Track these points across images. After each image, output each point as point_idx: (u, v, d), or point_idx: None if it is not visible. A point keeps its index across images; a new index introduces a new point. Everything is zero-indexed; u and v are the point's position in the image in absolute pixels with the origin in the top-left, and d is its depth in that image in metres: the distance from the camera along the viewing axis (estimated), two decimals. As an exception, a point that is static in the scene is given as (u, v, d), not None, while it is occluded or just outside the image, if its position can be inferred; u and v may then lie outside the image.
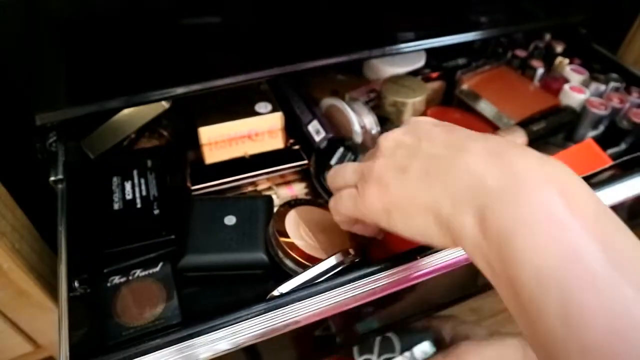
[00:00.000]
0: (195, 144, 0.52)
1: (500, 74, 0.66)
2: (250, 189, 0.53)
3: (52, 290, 0.55)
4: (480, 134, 0.29)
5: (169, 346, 0.32)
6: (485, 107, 0.60)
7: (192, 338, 0.32)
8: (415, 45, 0.55)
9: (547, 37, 0.70)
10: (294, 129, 0.55)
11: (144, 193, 0.46)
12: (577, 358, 0.20)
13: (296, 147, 0.55)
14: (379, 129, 0.56)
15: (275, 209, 0.45)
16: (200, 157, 0.52)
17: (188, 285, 0.41)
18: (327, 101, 0.58)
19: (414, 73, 0.64)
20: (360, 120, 0.54)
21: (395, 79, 0.61)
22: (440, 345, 0.54)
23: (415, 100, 0.58)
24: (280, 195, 0.53)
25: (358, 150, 0.52)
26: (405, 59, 0.64)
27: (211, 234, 0.42)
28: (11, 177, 0.48)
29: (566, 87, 0.60)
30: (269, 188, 0.54)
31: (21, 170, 0.48)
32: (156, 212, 0.44)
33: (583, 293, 0.20)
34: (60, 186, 0.44)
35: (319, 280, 0.37)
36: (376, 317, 0.45)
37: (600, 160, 0.53)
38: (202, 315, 0.34)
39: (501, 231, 0.23)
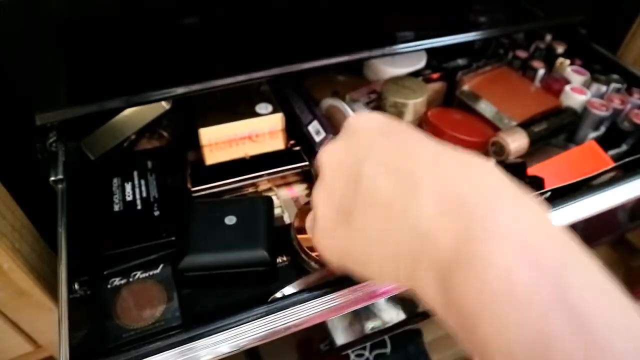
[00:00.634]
0: (195, 145, 0.52)
1: (501, 74, 0.66)
2: (250, 190, 0.53)
3: (52, 291, 0.55)
4: (434, 148, 0.25)
5: (170, 349, 0.32)
6: (486, 108, 0.60)
7: (193, 341, 0.32)
8: (415, 46, 0.55)
9: (548, 37, 0.70)
10: (294, 129, 0.55)
11: (144, 194, 0.46)
12: None
13: (297, 148, 0.55)
14: (379, 129, 0.56)
15: (275, 209, 0.45)
16: (200, 158, 0.52)
17: (189, 286, 0.41)
18: (328, 102, 0.58)
19: (415, 74, 0.63)
20: (361, 121, 0.54)
21: (396, 80, 0.61)
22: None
23: (415, 101, 0.58)
24: (281, 196, 0.53)
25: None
26: (405, 59, 0.63)
27: (212, 234, 0.42)
28: (11, 177, 0.48)
29: (567, 88, 0.60)
30: (270, 189, 0.54)
31: (21, 170, 0.48)
32: (156, 213, 0.44)
33: None
34: (60, 186, 0.44)
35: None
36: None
37: (602, 162, 0.53)
38: (203, 317, 0.34)
39: (464, 308, 0.20)
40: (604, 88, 0.61)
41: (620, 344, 0.17)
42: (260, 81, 0.57)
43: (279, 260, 0.43)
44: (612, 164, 0.52)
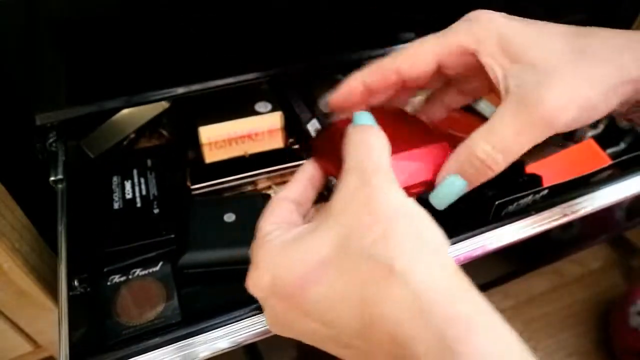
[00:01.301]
0: (195, 144, 0.52)
1: (499, 73, 0.66)
2: (250, 188, 0.53)
3: (52, 290, 0.55)
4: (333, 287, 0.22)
5: (169, 345, 0.32)
6: (485, 107, 0.60)
7: (192, 337, 0.32)
8: (414, 45, 0.55)
9: (547, 36, 0.70)
10: (293, 128, 0.55)
11: (143, 192, 0.46)
12: None
13: (296, 146, 0.55)
14: (378, 128, 0.56)
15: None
16: (200, 156, 0.52)
17: (188, 283, 0.41)
18: (327, 101, 0.58)
19: (414, 73, 0.64)
20: (359, 120, 0.54)
21: (395, 79, 0.61)
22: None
23: (414, 100, 0.58)
24: (280, 194, 0.53)
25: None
26: (404, 58, 0.64)
27: (211, 231, 0.42)
28: (11, 177, 0.48)
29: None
30: (269, 187, 0.54)
31: (21, 170, 0.48)
32: (156, 211, 0.44)
33: None
34: (60, 186, 0.44)
35: None
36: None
37: (600, 160, 0.53)
38: (202, 314, 0.34)
39: None
40: (602, 86, 0.61)
41: None
42: (260, 81, 0.57)
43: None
44: (610, 162, 0.52)
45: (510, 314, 0.84)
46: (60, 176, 0.45)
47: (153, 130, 0.55)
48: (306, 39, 0.51)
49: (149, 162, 0.49)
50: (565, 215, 0.43)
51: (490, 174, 0.27)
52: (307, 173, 0.29)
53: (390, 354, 0.20)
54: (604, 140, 0.56)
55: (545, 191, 0.45)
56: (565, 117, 0.25)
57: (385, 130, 0.26)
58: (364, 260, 0.21)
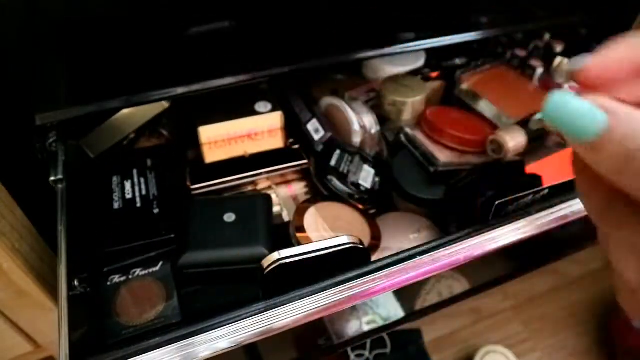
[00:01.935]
0: (195, 143, 0.52)
1: (499, 73, 0.66)
2: (250, 188, 0.53)
3: (52, 290, 0.55)
4: None
5: (169, 345, 0.32)
6: (485, 107, 0.61)
7: (192, 336, 0.32)
8: (415, 46, 0.56)
9: (547, 36, 0.70)
10: (293, 128, 0.55)
11: (143, 192, 0.46)
12: None
13: (296, 146, 0.55)
14: (378, 128, 0.56)
15: (274, 207, 0.45)
16: (200, 156, 0.52)
17: (188, 283, 0.41)
18: (327, 100, 0.58)
19: (414, 72, 0.64)
20: (359, 120, 0.55)
21: (395, 79, 0.61)
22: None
23: (414, 100, 0.58)
24: (280, 194, 0.53)
25: (353, 150, 0.52)
26: (404, 58, 0.64)
27: (211, 231, 0.42)
28: (11, 177, 0.48)
29: (565, 86, 0.60)
30: (269, 187, 0.54)
31: (21, 170, 0.48)
32: (156, 211, 0.44)
33: None
34: (60, 186, 0.44)
35: (323, 253, 0.35)
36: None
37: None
38: (202, 314, 0.34)
39: None
40: (602, 86, 0.61)
41: None
42: (260, 81, 0.57)
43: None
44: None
45: (510, 314, 0.84)
46: (60, 176, 0.44)
47: (153, 130, 0.55)
48: (306, 40, 0.51)
49: (149, 162, 0.49)
50: (565, 215, 0.43)
51: None
52: None
53: None
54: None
55: (545, 191, 0.45)
56: None
57: None
58: None
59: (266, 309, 0.34)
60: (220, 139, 0.52)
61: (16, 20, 0.38)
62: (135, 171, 0.48)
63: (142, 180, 0.47)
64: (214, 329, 0.33)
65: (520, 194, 0.43)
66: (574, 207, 0.43)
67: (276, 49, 0.50)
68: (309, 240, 0.42)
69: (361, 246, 0.36)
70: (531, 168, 0.52)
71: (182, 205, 0.45)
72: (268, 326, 0.33)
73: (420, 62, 0.64)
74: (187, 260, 0.40)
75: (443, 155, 0.54)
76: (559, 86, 0.61)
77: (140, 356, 0.31)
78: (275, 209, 0.49)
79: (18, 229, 0.50)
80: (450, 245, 0.39)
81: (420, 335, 0.77)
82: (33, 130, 0.45)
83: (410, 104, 0.58)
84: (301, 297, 0.34)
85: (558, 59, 0.65)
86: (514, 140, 0.53)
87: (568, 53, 0.67)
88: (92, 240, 0.42)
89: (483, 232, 0.40)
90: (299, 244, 0.42)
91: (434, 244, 0.38)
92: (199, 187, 0.50)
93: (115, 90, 0.45)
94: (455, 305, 0.55)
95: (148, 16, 0.42)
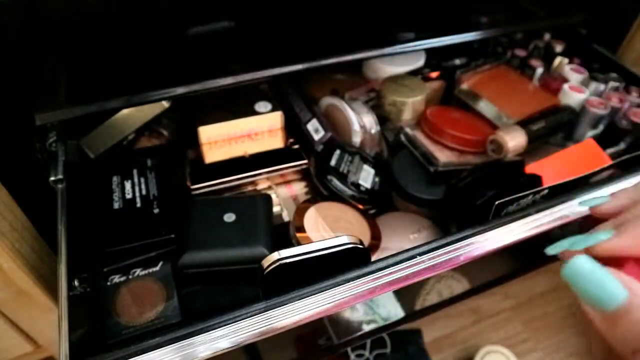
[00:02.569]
0: (195, 143, 0.52)
1: (499, 73, 0.66)
2: (250, 188, 0.53)
3: (52, 290, 0.55)
4: None
5: (169, 345, 0.32)
6: (485, 107, 0.61)
7: (192, 336, 0.32)
8: (414, 45, 0.56)
9: (547, 36, 0.70)
10: (293, 128, 0.55)
11: (143, 192, 0.46)
12: None
13: (296, 146, 0.55)
14: (378, 128, 0.56)
15: (274, 207, 0.45)
16: (200, 156, 0.52)
17: (188, 283, 0.41)
18: (327, 100, 0.58)
19: (414, 72, 0.64)
20: (359, 120, 0.55)
21: (395, 78, 0.61)
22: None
23: (414, 100, 0.58)
24: (280, 194, 0.53)
25: (353, 150, 0.52)
26: (404, 58, 0.64)
27: (211, 231, 0.42)
28: (11, 177, 0.48)
29: (565, 86, 0.60)
30: (269, 187, 0.54)
31: (21, 170, 0.48)
32: (156, 211, 0.44)
33: None
34: (60, 186, 0.44)
35: (323, 253, 0.35)
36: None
37: (600, 160, 0.53)
38: (202, 314, 0.34)
39: None
40: (602, 87, 0.61)
41: None
42: (260, 81, 0.57)
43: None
44: (610, 162, 0.52)
45: (510, 314, 0.84)
46: (60, 176, 0.45)
47: (153, 130, 0.55)
48: (306, 40, 0.51)
49: (149, 162, 0.49)
50: (565, 215, 0.42)
51: None
52: None
53: None
54: (604, 140, 0.56)
55: (545, 191, 0.45)
56: None
57: None
58: None
59: (266, 309, 0.34)
60: (220, 139, 0.52)
61: (16, 20, 0.38)
62: (135, 171, 0.48)
63: (142, 180, 0.47)
64: (214, 329, 0.33)
65: (520, 194, 0.43)
66: (574, 207, 0.43)
67: (276, 49, 0.50)
68: (309, 240, 0.42)
69: (361, 246, 0.36)
70: (531, 168, 0.52)
71: (182, 205, 0.45)
72: (268, 326, 0.33)
73: (420, 62, 0.64)
74: (187, 260, 0.40)
75: (443, 155, 0.54)
76: (559, 86, 0.61)
77: (140, 356, 0.31)
78: (275, 209, 0.49)
79: (18, 229, 0.50)
80: (450, 245, 0.39)
81: (420, 335, 0.76)
82: (33, 130, 0.45)
83: (410, 104, 0.58)
84: (301, 297, 0.34)
85: (558, 59, 0.65)
86: (514, 140, 0.53)
87: (568, 53, 0.67)
88: (92, 240, 0.42)
89: (483, 232, 0.40)
90: (299, 244, 0.42)
91: (434, 244, 0.38)
92: (199, 187, 0.50)
93: (115, 90, 0.45)
94: (455, 305, 0.55)
95: (148, 16, 0.42)
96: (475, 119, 0.61)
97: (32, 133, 0.46)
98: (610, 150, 0.56)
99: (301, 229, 0.43)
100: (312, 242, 0.40)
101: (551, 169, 0.52)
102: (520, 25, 0.64)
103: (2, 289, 0.50)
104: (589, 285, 0.18)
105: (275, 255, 0.34)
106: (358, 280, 0.36)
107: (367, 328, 0.49)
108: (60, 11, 0.39)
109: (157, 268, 0.41)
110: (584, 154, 0.54)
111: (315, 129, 0.53)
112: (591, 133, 0.59)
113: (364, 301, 0.37)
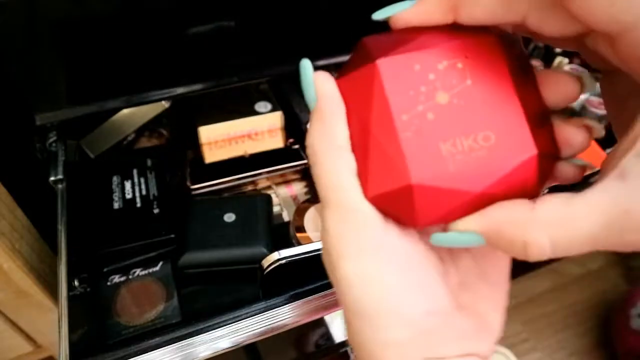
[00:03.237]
0: (195, 143, 0.52)
1: (499, 73, 0.66)
2: (250, 188, 0.53)
3: (52, 290, 0.55)
4: None
5: (169, 345, 0.32)
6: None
7: (192, 336, 0.32)
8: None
9: (547, 36, 0.70)
10: (293, 128, 0.55)
11: (143, 192, 0.46)
12: None
13: (296, 146, 0.55)
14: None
15: (274, 207, 0.45)
16: (200, 156, 0.52)
17: (188, 283, 0.41)
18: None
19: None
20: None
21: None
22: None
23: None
24: (280, 194, 0.53)
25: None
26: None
27: (211, 231, 0.42)
28: (11, 177, 0.48)
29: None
30: (269, 187, 0.54)
31: (21, 170, 0.48)
32: (156, 211, 0.44)
33: None
34: (60, 186, 0.44)
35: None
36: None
37: (600, 160, 0.53)
38: (202, 314, 0.34)
39: None
40: (602, 86, 0.61)
41: None
42: (260, 81, 0.57)
43: (277, 257, 0.43)
44: (610, 162, 0.52)
45: (510, 314, 0.84)
46: (60, 176, 0.45)
47: (153, 130, 0.55)
48: (306, 40, 0.51)
49: (149, 162, 0.49)
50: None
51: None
52: None
53: None
54: (604, 140, 0.56)
55: (545, 191, 0.45)
56: None
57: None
58: None
59: (266, 309, 0.34)
60: (220, 139, 0.52)
61: (16, 20, 0.38)
62: (135, 171, 0.48)
63: (142, 180, 0.47)
64: (214, 329, 0.33)
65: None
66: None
67: (276, 49, 0.50)
68: (309, 240, 0.42)
69: None
70: (531, 168, 0.52)
71: (182, 205, 0.45)
72: (268, 326, 0.33)
73: (420, 62, 0.64)
74: (187, 260, 0.40)
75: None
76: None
77: (140, 356, 0.31)
78: (275, 209, 0.49)
79: (18, 229, 0.50)
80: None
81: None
82: (33, 130, 0.45)
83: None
84: (301, 297, 0.34)
85: (558, 59, 0.66)
86: (514, 140, 0.53)
87: (568, 53, 0.67)
88: (92, 240, 0.42)
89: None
90: (299, 244, 0.42)
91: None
92: (199, 187, 0.50)
93: (115, 90, 0.45)
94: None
95: (148, 16, 0.42)
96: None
97: (32, 133, 0.46)
98: (611, 150, 0.56)
99: (301, 229, 0.43)
100: (312, 242, 0.40)
101: (551, 169, 0.52)
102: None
103: (2, 289, 0.50)
104: (305, 85, 0.21)
105: (275, 255, 0.34)
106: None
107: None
108: (60, 11, 0.39)
109: (157, 268, 0.41)
110: (584, 154, 0.54)
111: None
112: (591, 133, 0.59)
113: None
